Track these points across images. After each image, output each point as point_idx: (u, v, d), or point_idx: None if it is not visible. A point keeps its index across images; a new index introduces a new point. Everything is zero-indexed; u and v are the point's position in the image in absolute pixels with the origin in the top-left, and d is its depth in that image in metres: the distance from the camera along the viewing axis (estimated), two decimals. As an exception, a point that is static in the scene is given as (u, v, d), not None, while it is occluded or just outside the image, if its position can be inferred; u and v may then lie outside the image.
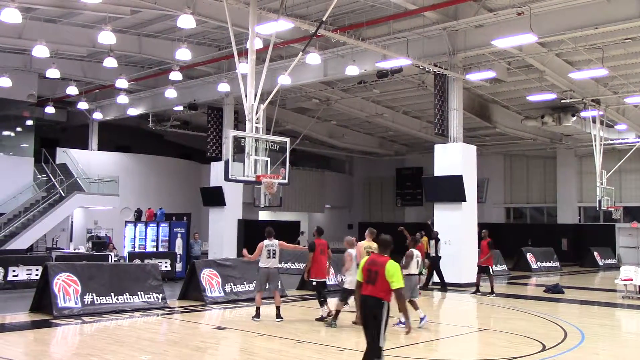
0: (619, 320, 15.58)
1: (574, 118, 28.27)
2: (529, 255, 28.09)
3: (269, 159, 15.08)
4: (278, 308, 12.65)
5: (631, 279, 17.93)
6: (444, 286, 19.34)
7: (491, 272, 18.49)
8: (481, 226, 22.32)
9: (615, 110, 27.82)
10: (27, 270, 17.37)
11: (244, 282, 15.82)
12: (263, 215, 38.56)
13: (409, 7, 18.27)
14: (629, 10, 16.95)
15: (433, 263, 19.44)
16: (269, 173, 15.00)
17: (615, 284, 19.21)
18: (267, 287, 12.85)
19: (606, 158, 29.63)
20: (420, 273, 16.80)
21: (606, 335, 12.61)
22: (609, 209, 29.08)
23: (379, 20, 19.92)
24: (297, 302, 15.73)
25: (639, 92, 25.05)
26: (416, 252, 13.24)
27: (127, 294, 13.76)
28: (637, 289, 18.13)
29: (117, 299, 13.57)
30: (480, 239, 18.60)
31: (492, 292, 18.13)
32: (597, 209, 29.16)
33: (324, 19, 15.84)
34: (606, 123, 29.10)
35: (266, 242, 12.67)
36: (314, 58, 20.56)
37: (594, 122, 27.84)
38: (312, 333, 11.52)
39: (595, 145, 27.79)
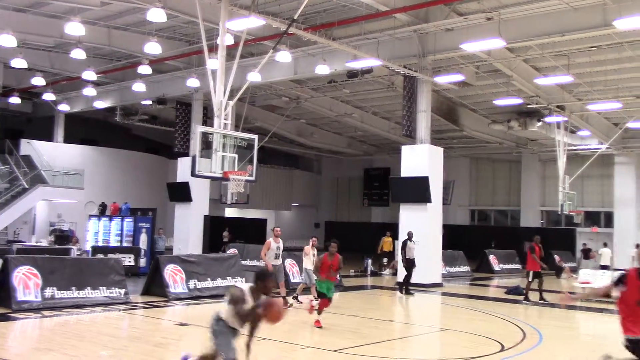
0: (577, 322, 15.92)
1: (539, 123, 28.79)
2: (491, 257, 28.51)
3: (236, 155, 15.08)
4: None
5: (589, 282, 18.36)
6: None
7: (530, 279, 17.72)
8: (446, 228, 22.62)
9: (579, 117, 28.41)
10: (-13, 262, 17.00)
11: (208, 279, 15.74)
12: (229, 212, 38.40)
13: (380, 8, 18.38)
14: (594, 19, 17.30)
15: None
16: (236, 170, 14.99)
17: (574, 287, 19.63)
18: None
19: (569, 163, 30.25)
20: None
21: (564, 336, 12.87)
22: (571, 213, 29.68)
23: (351, 21, 20.01)
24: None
25: (603, 99, 25.57)
26: None
27: (88, 288, 13.59)
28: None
29: (79, 294, 13.39)
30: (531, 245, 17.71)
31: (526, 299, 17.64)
32: (559, 213, 29.74)
33: (295, 17, 15.87)
34: (570, 129, 29.70)
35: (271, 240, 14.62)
36: (284, 56, 20.55)
37: (558, 127, 28.39)
38: (275, 330, 11.50)
39: (559, 151, 28.34)
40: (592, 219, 34.80)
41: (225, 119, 15.39)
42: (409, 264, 18.78)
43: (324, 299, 11.71)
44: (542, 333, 12.34)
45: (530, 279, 17.53)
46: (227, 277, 16.38)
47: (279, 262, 14.63)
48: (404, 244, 19.21)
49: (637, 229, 33.02)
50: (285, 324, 12.35)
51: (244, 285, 6.03)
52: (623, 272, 6.29)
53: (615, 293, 6.23)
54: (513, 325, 13.18)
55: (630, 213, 33.59)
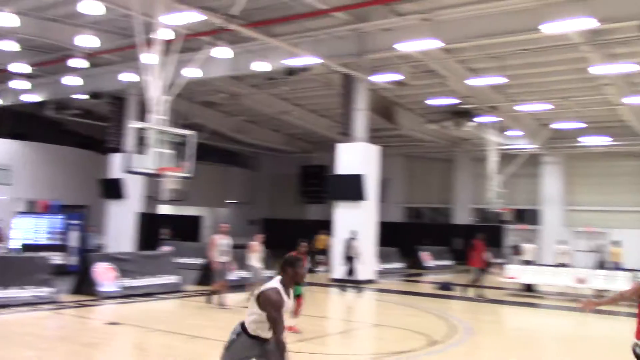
0: (504, 316, 16.48)
1: (472, 123, 29.49)
2: (425, 254, 29.11)
3: (172, 152, 14.92)
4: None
5: (515, 277, 19.15)
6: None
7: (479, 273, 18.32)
8: (381, 225, 22.94)
9: (509, 117, 29.25)
10: None
11: (141, 277, 15.48)
12: (164, 209, 37.81)
13: (319, 6, 18.48)
14: (526, 23, 17.81)
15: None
16: (172, 166, 14.83)
17: (501, 282, 20.28)
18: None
19: (500, 162, 31.20)
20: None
21: (491, 330, 13.32)
22: (501, 211, 30.56)
23: (290, 18, 20.00)
24: (195, 297, 15.59)
25: (532, 100, 26.39)
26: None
27: (14, 287, 13.12)
28: (522, 287, 19.39)
29: (4, 293, 12.91)
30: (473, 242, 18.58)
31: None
32: (490, 210, 30.61)
33: (235, 13, 15.77)
34: (501, 129, 30.57)
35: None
36: (223, 52, 20.37)
37: (490, 127, 29.20)
38: (208, 329, 11.47)
39: (490, 150, 29.12)
40: (521, 216, 35.92)
41: (161, 115, 15.19)
42: (352, 262, 19.30)
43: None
44: (470, 327, 12.72)
45: (476, 276, 18.12)
46: (161, 275, 16.17)
47: (226, 259, 14.18)
48: (348, 242, 19.68)
49: (562, 226, 34.37)
50: (221, 322, 12.29)
51: (274, 282, 5.13)
52: None
53: None
54: (443, 320, 13.52)
55: (556, 211, 34.94)
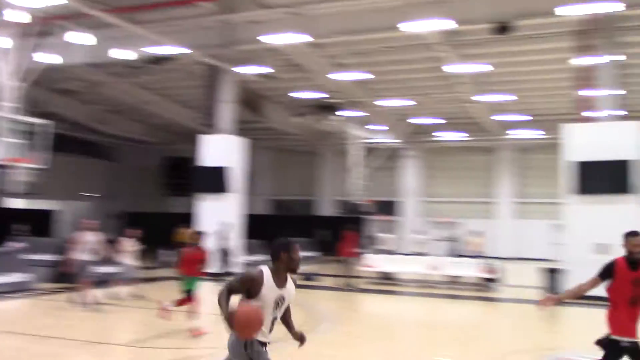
0: (365, 304, 17.09)
1: (336, 117, 30.22)
2: (290, 246, 29.46)
3: (24, 141, 14.07)
4: None
5: (373, 266, 20.01)
6: None
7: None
8: (249, 217, 22.93)
9: (373, 112, 30.27)
10: None
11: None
12: (15, 203, 35.36)
13: (187, -6, 18.14)
14: (388, 21, 18.37)
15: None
16: (23, 157, 13.99)
17: (361, 271, 21.01)
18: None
19: (363, 156, 32.26)
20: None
21: (354, 318, 13.75)
22: (363, 202, 31.66)
23: (156, 6, 19.39)
24: (46, 295, 14.76)
25: (395, 96, 27.47)
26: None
27: None
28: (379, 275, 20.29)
29: None
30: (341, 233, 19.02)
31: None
32: (352, 202, 31.62)
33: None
34: (365, 123, 31.58)
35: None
36: (84, 38, 19.36)
37: (353, 122, 30.08)
38: (61, 328, 10.90)
39: (353, 144, 30.03)
40: (383, 208, 37.34)
41: (11, 102, 14.24)
42: (227, 254, 19.42)
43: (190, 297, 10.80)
44: (335, 316, 13.07)
45: (346, 266, 18.64)
46: (8, 273, 15.10)
47: (90, 256, 13.19)
48: (223, 234, 19.68)
49: (421, 216, 36.24)
50: (74, 320, 11.72)
51: (262, 266, 4.44)
52: (610, 261, 5.34)
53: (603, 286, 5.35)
54: (307, 310, 13.75)
55: (416, 202, 36.82)
